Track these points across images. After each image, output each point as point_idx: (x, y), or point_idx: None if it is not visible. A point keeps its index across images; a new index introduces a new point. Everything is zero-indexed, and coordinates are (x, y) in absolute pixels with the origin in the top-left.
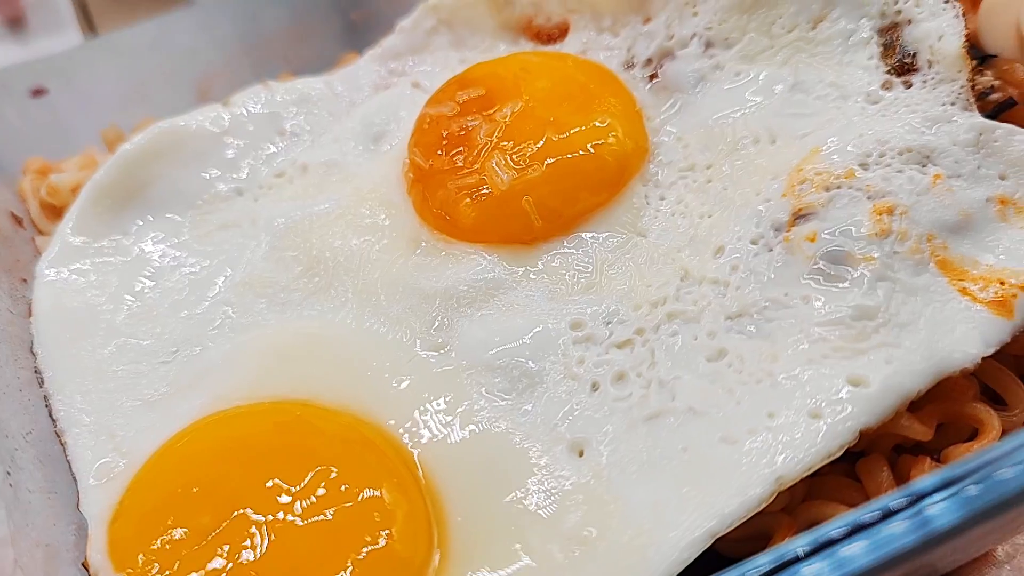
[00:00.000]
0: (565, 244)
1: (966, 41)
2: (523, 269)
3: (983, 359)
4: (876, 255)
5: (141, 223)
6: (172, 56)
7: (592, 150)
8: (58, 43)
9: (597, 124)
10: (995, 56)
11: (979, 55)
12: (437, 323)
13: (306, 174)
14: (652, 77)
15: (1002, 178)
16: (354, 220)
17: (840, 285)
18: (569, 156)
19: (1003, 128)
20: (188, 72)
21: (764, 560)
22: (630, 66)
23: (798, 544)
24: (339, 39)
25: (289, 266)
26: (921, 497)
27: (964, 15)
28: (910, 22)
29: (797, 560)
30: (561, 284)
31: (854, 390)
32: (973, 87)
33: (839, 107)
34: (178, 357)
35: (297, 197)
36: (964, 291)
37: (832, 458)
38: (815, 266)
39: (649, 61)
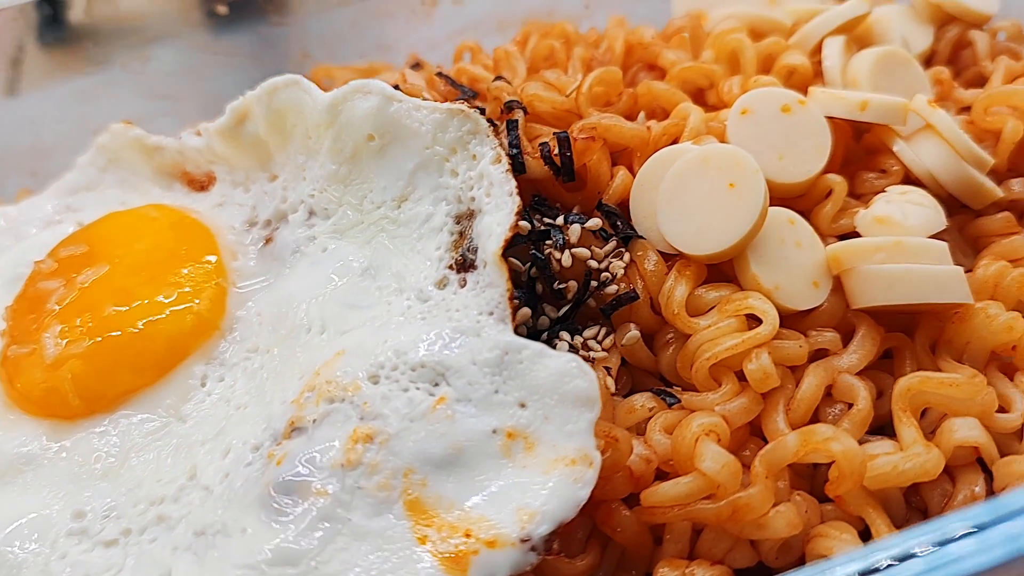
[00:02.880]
0: (106, 423)
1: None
2: (59, 446)
3: None
4: (332, 490)
5: None
6: None
7: (142, 327)
8: None
9: (162, 298)
10: (641, 237)
11: (625, 233)
12: None
13: None
14: (268, 240)
15: (521, 406)
16: None
17: (280, 520)
18: (116, 334)
19: (531, 348)
20: None
21: None
22: (253, 224)
23: None
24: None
25: None
26: None
27: (519, 213)
28: (481, 212)
29: None
30: (86, 467)
31: None
32: (600, 273)
33: (391, 303)
34: None
35: None
36: (424, 539)
37: None
38: (268, 493)
39: (268, 222)
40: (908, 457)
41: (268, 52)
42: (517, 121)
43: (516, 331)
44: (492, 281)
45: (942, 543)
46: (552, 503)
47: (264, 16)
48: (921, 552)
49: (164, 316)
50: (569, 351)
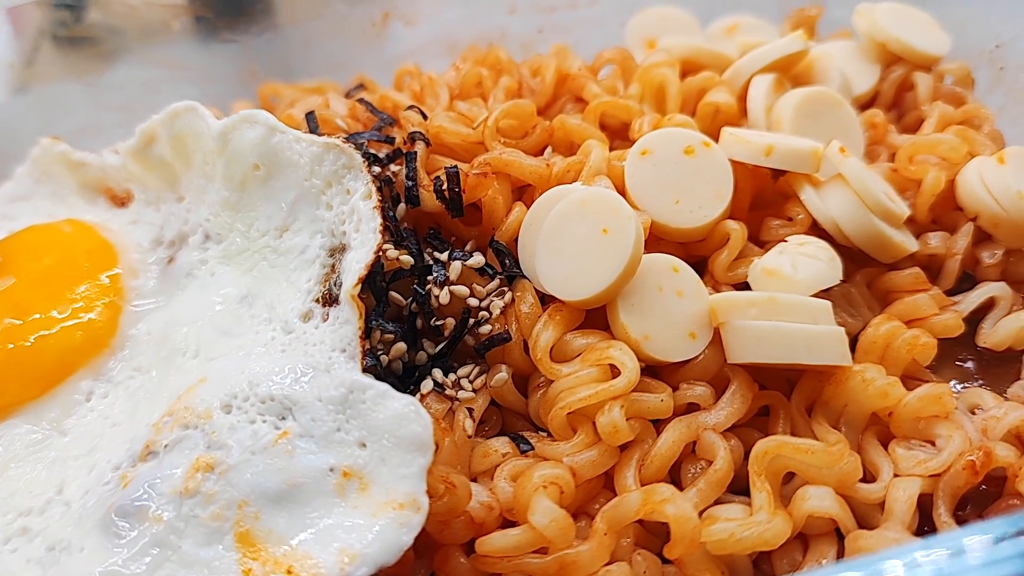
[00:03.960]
0: None
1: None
2: None
3: None
4: (167, 516)
5: None
6: None
7: (33, 341)
8: None
9: (56, 314)
10: (526, 277)
11: (511, 272)
12: None
13: None
14: (171, 260)
15: (361, 446)
16: None
17: (116, 543)
18: (9, 347)
19: (376, 389)
20: None
21: None
22: (159, 244)
23: None
24: None
25: None
26: None
27: (383, 250)
28: (350, 247)
29: None
30: None
31: None
32: (479, 311)
33: (259, 332)
34: None
35: None
36: (248, 572)
37: None
38: (110, 516)
39: (172, 243)
40: (747, 525)
41: (220, 69)
42: (416, 153)
43: (390, 366)
44: (348, 318)
45: None
46: (375, 546)
47: (216, 33)
48: None
49: (54, 331)
50: (434, 388)
